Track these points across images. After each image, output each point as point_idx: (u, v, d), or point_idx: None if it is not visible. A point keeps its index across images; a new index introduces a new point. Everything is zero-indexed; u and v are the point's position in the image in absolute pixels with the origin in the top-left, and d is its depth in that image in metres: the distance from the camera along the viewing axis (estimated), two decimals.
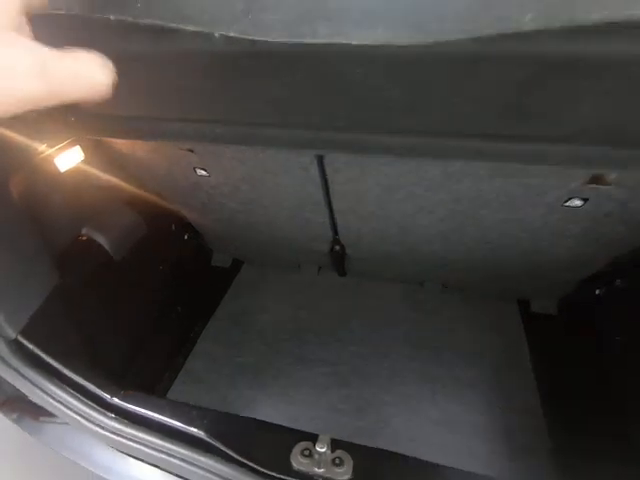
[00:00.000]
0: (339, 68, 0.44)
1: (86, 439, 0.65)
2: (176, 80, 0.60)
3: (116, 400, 0.64)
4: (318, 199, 0.94)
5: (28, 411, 0.69)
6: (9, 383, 0.63)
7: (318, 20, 0.32)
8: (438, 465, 0.58)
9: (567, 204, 0.77)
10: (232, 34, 0.36)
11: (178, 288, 1.30)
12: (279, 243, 1.29)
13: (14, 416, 0.70)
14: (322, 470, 0.58)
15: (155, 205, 1.12)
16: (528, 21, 0.28)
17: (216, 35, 0.39)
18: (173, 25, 0.40)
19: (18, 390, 0.64)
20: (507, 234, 0.93)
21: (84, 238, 0.91)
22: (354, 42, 0.31)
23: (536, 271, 1.10)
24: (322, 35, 0.33)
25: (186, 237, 1.33)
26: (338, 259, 1.31)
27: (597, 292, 1.05)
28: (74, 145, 0.83)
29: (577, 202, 0.76)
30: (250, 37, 0.35)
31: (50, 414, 0.64)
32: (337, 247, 1.24)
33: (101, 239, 0.94)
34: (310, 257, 1.38)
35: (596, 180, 0.69)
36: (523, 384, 1.08)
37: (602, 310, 1.03)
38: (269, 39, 0.35)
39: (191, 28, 0.39)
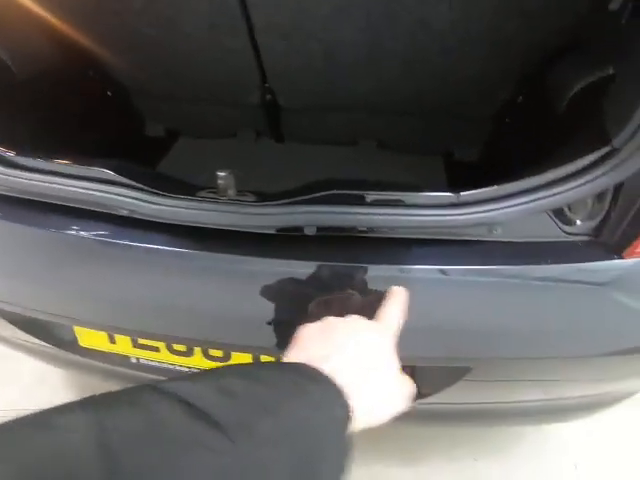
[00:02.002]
0: None
1: None
2: None
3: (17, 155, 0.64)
4: (234, 10, 0.91)
5: None
6: None
7: None
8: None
9: None
10: None
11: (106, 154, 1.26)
12: (209, 95, 1.27)
13: None
14: (225, 197, 0.62)
15: (63, 37, 1.05)
16: None
17: None
18: None
19: None
20: (421, 46, 0.95)
21: None
22: None
23: (453, 104, 1.16)
24: None
25: (109, 93, 1.27)
26: (272, 114, 1.32)
27: (507, 120, 1.14)
28: None
29: None
30: None
31: None
32: (268, 96, 1.24)
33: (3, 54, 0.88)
34: (245, 117, 1.37)
35: None
36: None
37: (510, 136, 1.12)
38: None
39: None
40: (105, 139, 1.24)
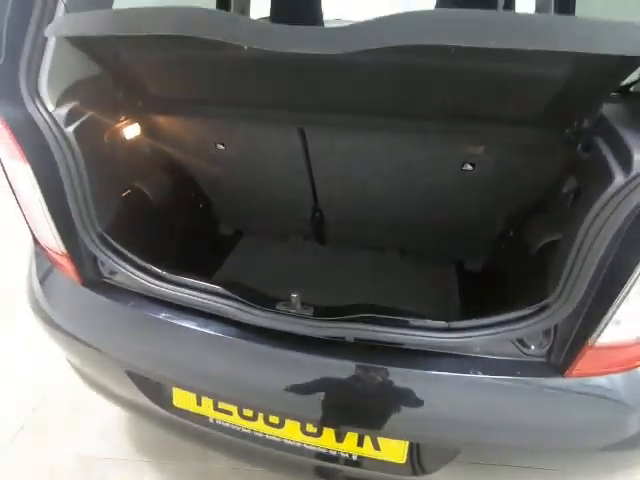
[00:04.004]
0: (308, 72, 0.85)
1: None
2: (214, 75, 1.01)
3: (166, 273, 1.01)
4: (302, 168, 1.34)
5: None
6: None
7: (294, 42, 0.71)
8: (379, 306, 0.94)
9: (464, 168, 1.18)
10: (255, 47, 0.74)
11: (193, 245, 1.66)
12: (272, 213, 1.68)
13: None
14: (294, 310, 0.94)
15: (182, 174, 1.52)
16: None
17: (245, 47, 0.77)
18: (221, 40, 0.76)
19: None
20: (433, 196, 1.32)
21: (136, 187, 1.29)
22: (311, 52, 0.70)
23: (461, 233, 1.50)
24: (296, 48, 0.72)
25: (201, 206, 1.71)
26: (318, 226, 1.70)
27: (502, 246, 1.44)
28: (135, 122, 1.23)
29: (469, 167, 1.17)
30: (264, 48, 0.73)
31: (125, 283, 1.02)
32: (317, 214, 1.63)
33: (147, 191, 1.32)
34: (296, 226, 1.76)
35: (473, 150, 1.10)
36: (450, 308, 1.45)
37: (503, 255, 1.42)
38: (274, 49, 0.72)
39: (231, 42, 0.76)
40: (195, 237, 1.66)
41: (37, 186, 0.92)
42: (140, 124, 1.23)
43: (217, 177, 1.53)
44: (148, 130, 1.28)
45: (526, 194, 1.21)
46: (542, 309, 0.80)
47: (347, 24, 0.67)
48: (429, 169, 1.22)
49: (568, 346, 0.81)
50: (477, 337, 0.82)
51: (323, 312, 0.94)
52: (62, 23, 0.80)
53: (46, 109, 0.93)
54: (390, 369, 0.86)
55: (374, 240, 1.73)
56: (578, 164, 0.96)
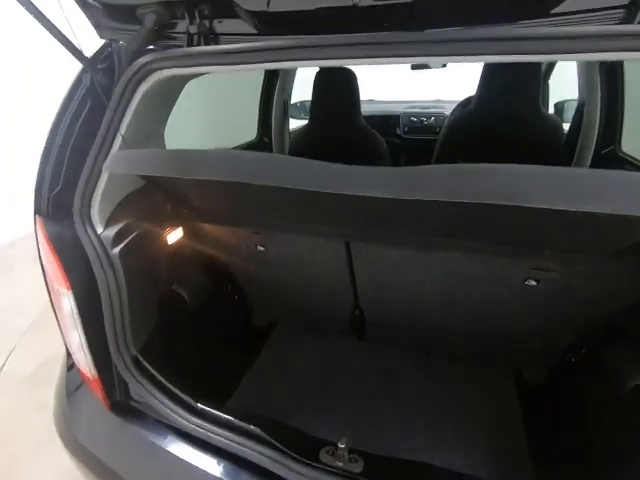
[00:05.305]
0: (360, 202, 0.80)
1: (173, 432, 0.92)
2: (260, 195, 0.99)
3: (199, 405, 0.92)
4: (344, 273, 1.27)
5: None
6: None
7: (358, 186, 0.66)
8: (436, 467, 0.79)
9: (526, 283, 1.06)
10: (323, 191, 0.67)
11: (227, 340, 1.59)
12: (309, 307, 1.59)
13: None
14: (341, 464, 0.81)
15: (219, 270, 1.49)
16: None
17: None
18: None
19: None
20: (489, 307, 1.20)
21: (173, 290, 1.25)
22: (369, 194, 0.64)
23: (520, 341, 1.33)
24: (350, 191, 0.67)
25: (236, 297, 1.66)
26: (358, 323, 1.58)
27: (573, 360, 1.26)
28: (179, 227, 1.23)
29: (533, 282, 1.05)
30: (312, 189, 0.68)
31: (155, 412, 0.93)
32: (357, 311, 1.53)
33: (183, 293, 1.29)
34: (334, 322, 1.65)
35: (540, 267, 0.99)
36: (515, 441, 1.24)
37: (576, 376, 1.23)
38: (342, 192, 0.66)
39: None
40: (227, 330, 1.58)
41: (77, 313, 0.89)
42: (183, 229, 1.23)
43: (255, 273, 1.49)
44: (190, 234, 1.28)
45: (600, 313, 1.06)
46: None
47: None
48: (486, 283, 1.11)
49: None
50: None
51: (374, 465, 0.80)
52: (118, 160, 0.81)
53: (94, 231, 0.92)
54: None
55: (418, 342, 1.58)
56: None
